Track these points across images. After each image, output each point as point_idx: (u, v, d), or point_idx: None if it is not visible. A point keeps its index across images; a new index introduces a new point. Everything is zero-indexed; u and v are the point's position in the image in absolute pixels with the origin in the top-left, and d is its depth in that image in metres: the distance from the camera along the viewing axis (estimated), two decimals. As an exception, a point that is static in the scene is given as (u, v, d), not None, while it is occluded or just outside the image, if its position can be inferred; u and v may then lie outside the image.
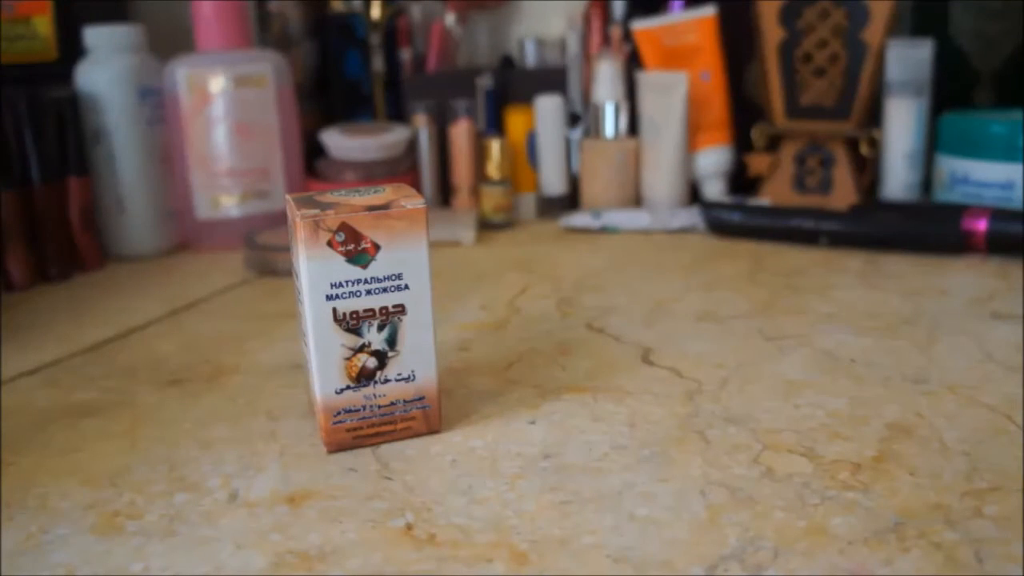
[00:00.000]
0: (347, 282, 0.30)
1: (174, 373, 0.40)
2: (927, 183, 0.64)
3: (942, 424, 0.32)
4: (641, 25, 0.67)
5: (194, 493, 0.29)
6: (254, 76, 0.62)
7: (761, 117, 0.67)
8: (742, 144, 0.68)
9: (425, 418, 0.32)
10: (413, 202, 0.30)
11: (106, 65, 0.61)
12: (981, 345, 0.40)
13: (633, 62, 0.68)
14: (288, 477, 0.30)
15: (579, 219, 0.63)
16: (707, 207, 0.61)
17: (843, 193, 0.65)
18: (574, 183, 0.68)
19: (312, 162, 0.68)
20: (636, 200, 0.67)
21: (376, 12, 0.72)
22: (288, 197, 0.31)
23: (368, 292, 0.30)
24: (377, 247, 0.29)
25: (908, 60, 0.62)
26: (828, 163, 0.65)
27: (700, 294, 0.48)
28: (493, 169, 0.65)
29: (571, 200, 0.68)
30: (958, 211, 0.54)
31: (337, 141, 0.65)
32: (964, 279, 0.49)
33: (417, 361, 0.31)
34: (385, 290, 0.30)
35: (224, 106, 0.61)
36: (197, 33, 0.63)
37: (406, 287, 0.30)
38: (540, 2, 0.75)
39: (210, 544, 0.26)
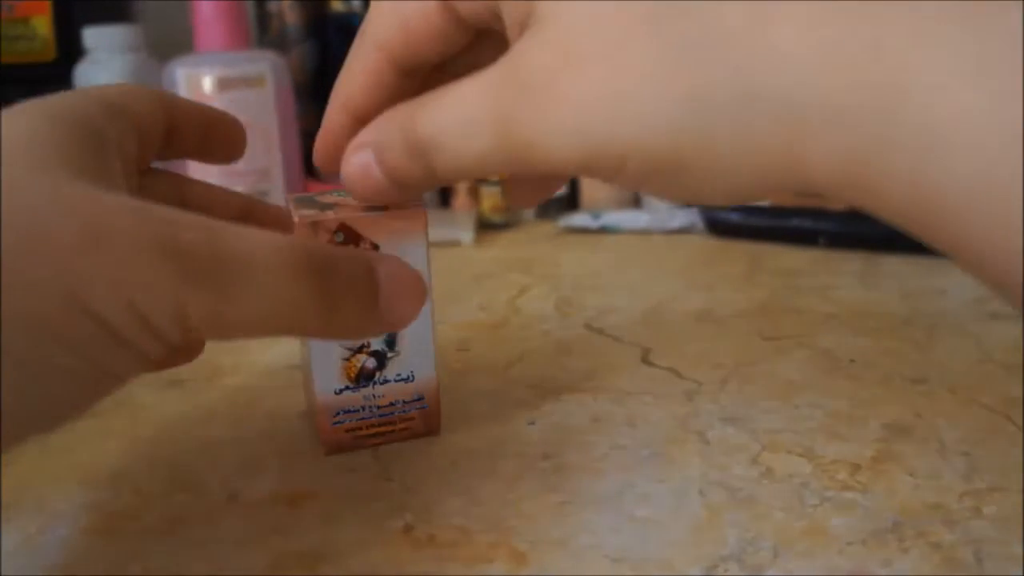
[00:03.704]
0: (346, 282, 0.30)
1: (173, 373, 0.40)
2: (926, 183, 0.64)
3: (941, 424, 0.32)
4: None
5: (193, 493, 0.29)
6: (253, 76, 0.62)
7: (760, 117, 0.67)
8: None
9: (424, 419, 0.32)
10: (412, 203, 0.30)
11: (105, 65, 0.61)
12: (980, 345, 0.40)
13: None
14: (287, 477, 0.30)
15: (578, 219, 0.63)
16: (706, 207, 0.61)
17: (842, 193, 0.65)
18: (573, 183, 0.68)
19: (312, 162, 0.68)
20: (635, 200, 0.67)
21: (375, 12, 0.72)
22: (287, 197, 0.31)
23: (367, 292, 0.30)
24: (376, 247, 0.29)
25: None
26: (827, 163, 0.65)
27: (699, 294, 0.48)
28: (493, 169, 0.65)
29: (570, 200, 0.68)
30: (957, 211, 0.54)
31: (336, 141, 0.65)
32: (963, 279, 0.49)
33: (416, 362, 0.31)
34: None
35: (223, 106, 0.61)
36: (196, 33, 0.63)
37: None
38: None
39: (209, 544, 0.26)
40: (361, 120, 0.27)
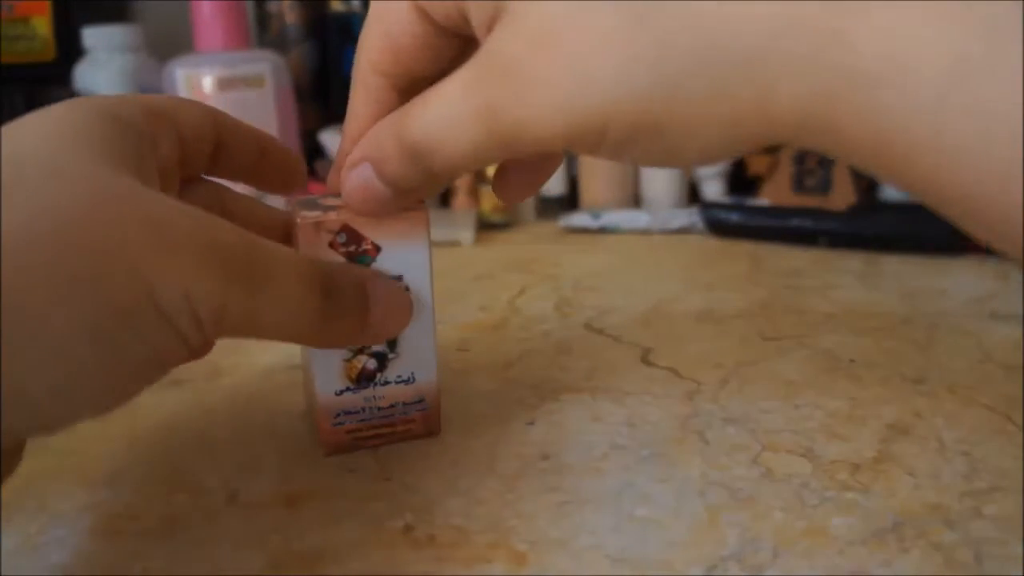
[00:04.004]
0: (346, 283, 0.30)
1: (173, 373, 0.40)
2: (926, 183, 0.64)
3: (941, 424, 0.32)
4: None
5: (193, 494, 0.29)
6: (252, 76, 0.62)
7: (760, 117, 0.67)
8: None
9: (424, 420, 0.32)
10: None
11: (105, 65, 0.61)
12: (980, 345, 0.40)
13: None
14: (287, 478, 0.30)
15: (578, 219, 0.63)
16: (706, 207, 0.61)
17: (842, 193, 0.65)
18: (573, 183, 0.68)
19: (312, 163, 0.68)
20: (635, 200, 0.67)
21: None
22: (289, 200, 0.31)
23: (367, 293, 0.30)
24: (378, 248, 0.29)
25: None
26: (827, 163, 0.65)
27: (699, 294, 0.48)
28: (492, 170, 0.65)
29: (570, 200, 0.68)
30: (957, 211, 0.54)
31: (337, 142, 0.65)
32: (963, 279, 0.49)
33: (417, 363, 0.31)
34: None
35: (222, 107, 0.61)
36: (196, 33, 0.63)
37: (407, 288, 0.30)
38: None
39: (209, 544, 0.26)
40: None
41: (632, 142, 0.23)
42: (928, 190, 0.20)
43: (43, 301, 0.19)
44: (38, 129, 0.23)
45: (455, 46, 0.28)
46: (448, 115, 0.24)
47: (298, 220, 0.29)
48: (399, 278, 0.30)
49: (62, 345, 0.20)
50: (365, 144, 0.27)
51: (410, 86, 0.28)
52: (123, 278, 0.20)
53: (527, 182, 0.31)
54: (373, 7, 0.28)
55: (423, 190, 0.27)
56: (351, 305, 0.27)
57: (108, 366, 0.21)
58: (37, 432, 0.21)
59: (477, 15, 0.25)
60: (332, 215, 0.29)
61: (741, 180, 0.68)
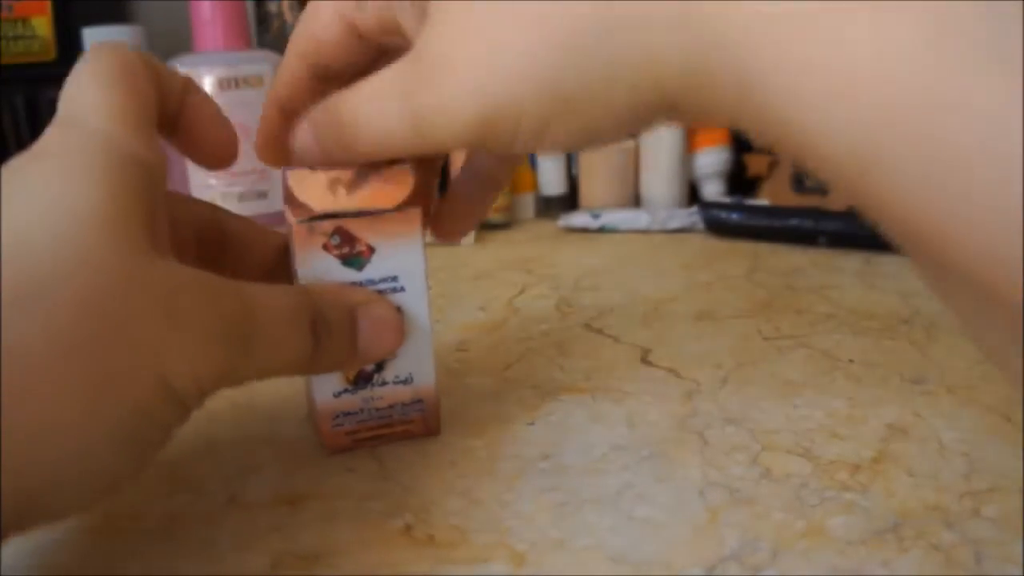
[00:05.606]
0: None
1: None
2: (926, 183, 0.64)
3: (940, 424, 0.32)
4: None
5: (193, 494, 0.29)
6: (252, 76, 0.62)
7: (760, 117, 0.67)
8: (741, 144, 0.68)
9: (424, 421, 0.32)
10: (408, 202, 0.30)
11: (105, 65, 0.61)
12: (980, 345, 0.40)
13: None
14: (287, 478, 0.30)
15: (578, 219, 0.63)
16: (706, 207, 0.61)
17: (842, 193, 0.65)
18: (573, 183, 0.68)
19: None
20: (635, 200, 0.67)
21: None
22: (285, 172, 0.31)
23: (365, 294, 0.30)
24: (372, 249, 0.29)
25: (907, 60, 0.61)
26: (827, 163, 0.65)
27: (699, 294, 0.48)
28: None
29: (570, 200, 0.68)
30: (957, 211, 0.54)
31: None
32: (963, 279, 0.49)
33: (414, 364, 0.31)
34: (380, 292, 0.30)
35: (222, 106, 0.61)
36: (195, 33, 0.63)
37: (402, 289, 0.30)
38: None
39: (209, 545, 0.26)
40: (290, 117, 0.30)
41: (546, 124, 0.23)
42: (783, 144, 0.20)
43: (73, 412, 0.20)
44: (43, 184, 0.22)
45: (372, 52, 0.30)
46: (373, 99, 0.26)
47: (292, 223, 0.29)
48: (393, 279, 0.30)
49: (89, 450, 0.21)
50: (310, 116, 0.29)
51: (329, 76, 0.30)
52: (143, 376, 0.22)
53: (466, 212, 0.33)
54: (307, 10, 0.30)
55: (353, 161, 0.29)
56: (341, 338, 0.28)
57: (127, 458, 0.22)
58: (47, 522, 0.22)
59: (407, 22, 0.27)
60: (329, 206, 0.29)
61: (741, 180, 0.68)
